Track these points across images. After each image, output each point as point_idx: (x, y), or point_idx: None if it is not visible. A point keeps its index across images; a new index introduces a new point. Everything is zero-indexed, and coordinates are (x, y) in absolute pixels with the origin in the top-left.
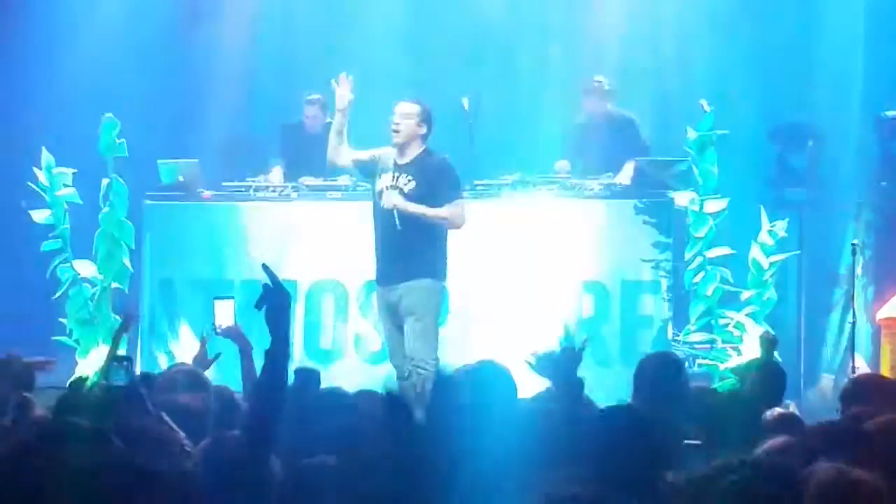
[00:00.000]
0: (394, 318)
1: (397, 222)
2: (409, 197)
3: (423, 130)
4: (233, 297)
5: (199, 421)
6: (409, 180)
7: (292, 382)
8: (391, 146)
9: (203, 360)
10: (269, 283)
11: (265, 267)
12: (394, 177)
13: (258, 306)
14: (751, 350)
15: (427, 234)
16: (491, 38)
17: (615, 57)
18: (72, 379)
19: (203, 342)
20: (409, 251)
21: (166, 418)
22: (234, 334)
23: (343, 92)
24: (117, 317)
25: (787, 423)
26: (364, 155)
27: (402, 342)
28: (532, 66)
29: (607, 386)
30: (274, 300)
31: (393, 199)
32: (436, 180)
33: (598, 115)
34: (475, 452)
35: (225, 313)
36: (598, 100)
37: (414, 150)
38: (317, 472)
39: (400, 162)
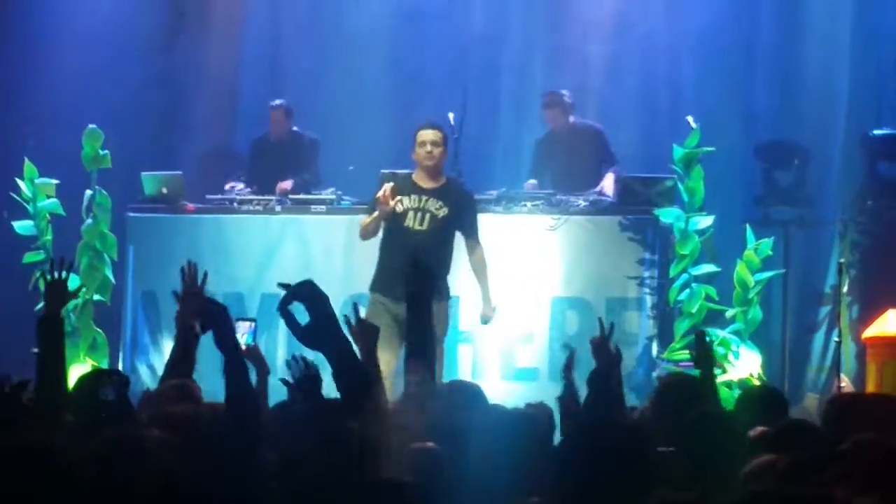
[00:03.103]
0: (397, 332)
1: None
2: (442, 221)
3: (446, 156)
4: (255, 319)
5: (190, 431)
6: (441, 206)
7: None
8: (416, 171)
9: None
10: (203, 308)
11: (182, 272)
12: (420, 199)
13: (204, 330)
14: (737, 369)
15: (447, 257)
16: (476, 53)
17: (601, 73)
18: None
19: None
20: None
21: (157, 432)
22: (253, 355)
23: (385, 208)
24: (99, 330)
25: (773, 441)
26: (384, 207)
27: (389, 357)
28: (517, 81)
29: None
30: (213, 317)
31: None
32: (465, 211)
33: (560, 128)
34: (458, 472)
35: (245, 334)
36: (560, 113)
37: (441, 177)
38: (311, 487)
39: (426, 186)
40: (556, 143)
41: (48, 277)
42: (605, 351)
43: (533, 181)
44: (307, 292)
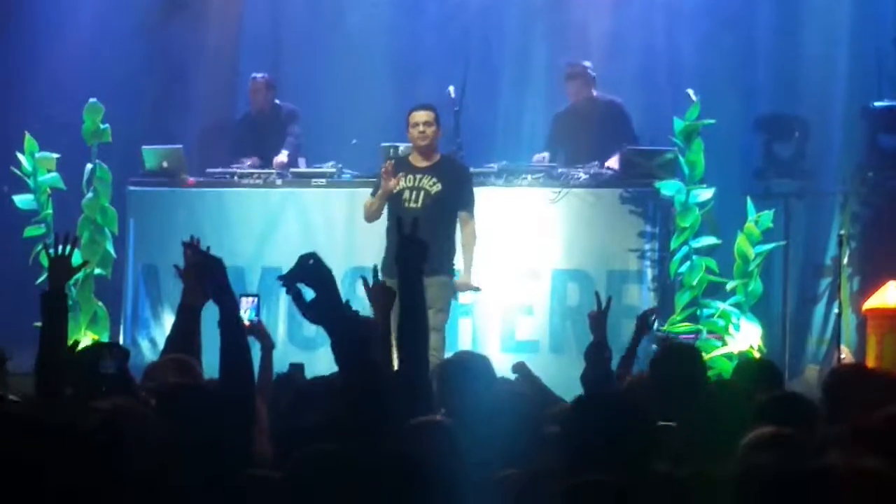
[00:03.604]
0: None
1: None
2: (436, 197)
3: (440, 134)
4: (258, 295)
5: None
6: (435, 183)
7: (279, 376)
8: (412, 150)
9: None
10: (198, 260)
11: (185, 244)
12: (415, 178)
13: (201, 284)
14: (737, 341)
15: (447, 233)
16: (477, 26)
17: (602, 45)
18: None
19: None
20: (431, 249)
21: (154, 404)
22: (257, 330)
23: (388, 184)
24: (100, 303)
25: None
26: (387, 183)
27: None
28: (518, 54)
29: None
30: (208, 270)
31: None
32: (460, 186)
33: (581, 101)
34: (467, 442)
35: (248, 309)
36: (582, 85)
37: (435, 155)
38: (312, 463)
39: (420, 165)
40: (574, 117)
41: (52, 252)
42: (603, 324)
43: (544, 154)
44: (313, 267)
